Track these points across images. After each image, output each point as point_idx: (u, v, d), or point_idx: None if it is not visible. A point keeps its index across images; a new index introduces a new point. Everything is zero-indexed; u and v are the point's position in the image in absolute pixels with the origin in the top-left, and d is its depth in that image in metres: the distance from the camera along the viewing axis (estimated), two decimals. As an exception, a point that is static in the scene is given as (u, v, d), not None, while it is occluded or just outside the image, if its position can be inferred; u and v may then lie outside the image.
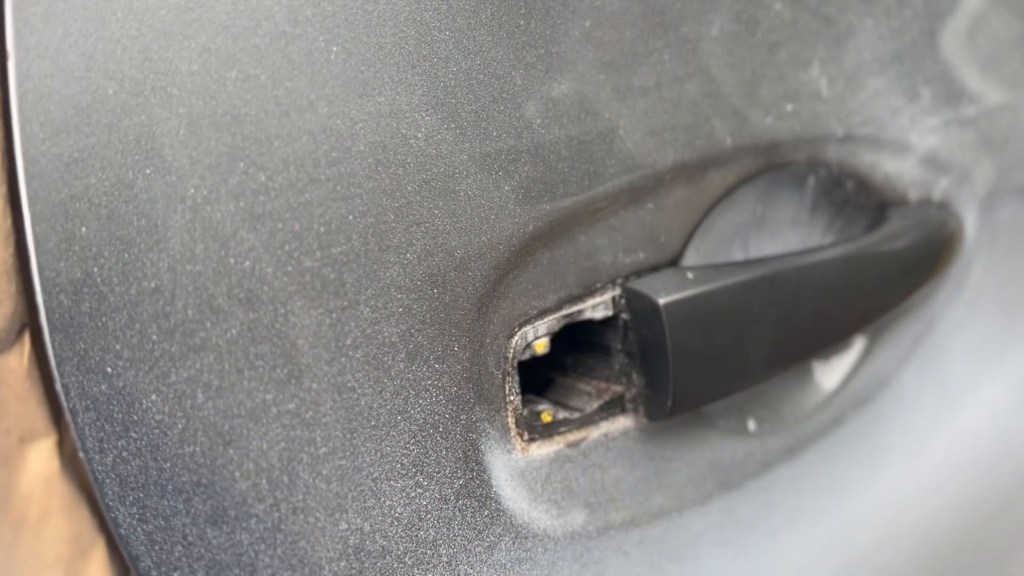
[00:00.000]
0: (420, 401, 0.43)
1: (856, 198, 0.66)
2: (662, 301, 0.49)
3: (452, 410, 0.44)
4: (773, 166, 0.59)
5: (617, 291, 0.52)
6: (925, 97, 0.68)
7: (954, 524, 0.81)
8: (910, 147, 0.67)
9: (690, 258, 0.58)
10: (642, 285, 0.50)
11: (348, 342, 0.41)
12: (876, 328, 0.68)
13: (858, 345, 0.67)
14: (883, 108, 0.65)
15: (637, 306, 0.50)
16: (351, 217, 0.41)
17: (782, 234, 0.65)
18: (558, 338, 0.53)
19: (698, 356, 0.50)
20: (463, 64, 0.44)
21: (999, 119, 0.75)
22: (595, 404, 0.52)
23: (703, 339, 0.51)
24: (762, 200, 0.61)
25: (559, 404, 0.54)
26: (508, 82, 0.46)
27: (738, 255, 0.63)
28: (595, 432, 0.52)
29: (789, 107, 0.58)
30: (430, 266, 0.43)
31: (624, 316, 0.52)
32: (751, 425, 0.59)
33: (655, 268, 0.53)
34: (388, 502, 0.42)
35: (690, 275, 0.52)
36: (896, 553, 0.76)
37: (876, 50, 0.64)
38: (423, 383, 0.43)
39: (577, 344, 0.56)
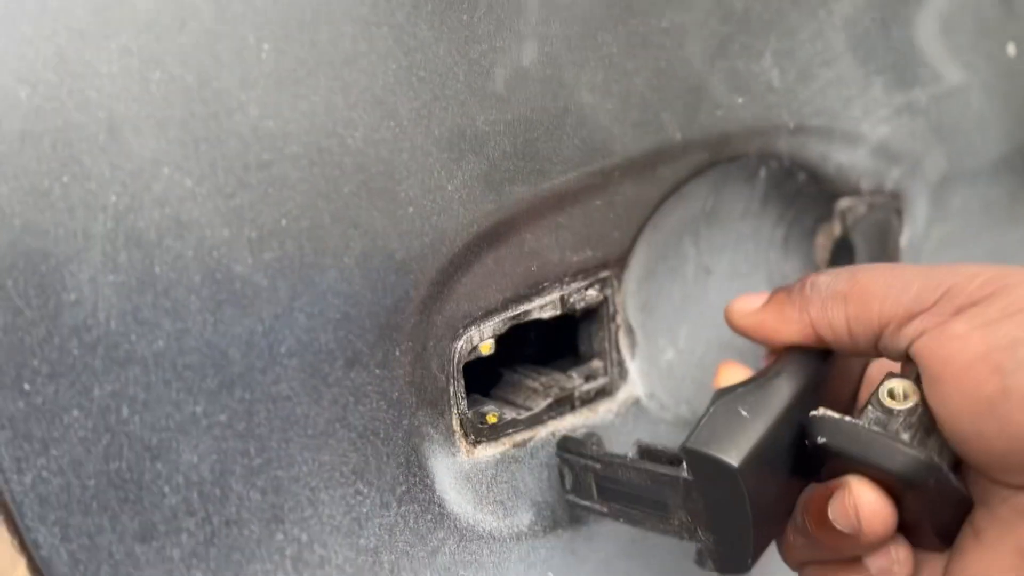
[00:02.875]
0: (360, 408, 0.42)
1: (807, 189, 0.65)
2: (736, 464, 0.41)
3: (394, 416, 0.43)
4: (723, 159, 0.58)
5: (565, 290, 0.51)
6: (877, 87, 0.68)
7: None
8: (862, 137, 0.67)
9: (640, 252, 0.57)
10: (702, 444, 0.42)
11: (283, 350, 0.40)
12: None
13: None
14: (835, 99, 0.64)
15: (700, 467, 0.43)
16: (284, 222, 0.39)
17: (733, 226, 0.65)
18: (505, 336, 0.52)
19: (770, 500, 0.43)
20: (403, 60, 0.43)
21: (949, 106, 0.75)
22: (543, 403, 0.51)
23: (772, 480, 0.43)
24: (713, 193, 0.61)
25: (506, 402, 0.53)
26: (451, 79, 0.44)
27: (689, 250, 0.62)
28: (542, 431, 0.51)
29: (740, 100, 0.58)
30: (369, 270, 0.42)
31: (575, 313, 0.51)
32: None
33: (603, 264, 0.53)
34: (327, 511, 0.41)
35: (743, 411, 0.43)
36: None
37: (829, 40, 0.64)
38: (363, 390, 0.42)
39: (522, 338, 0.56)
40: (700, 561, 0.46)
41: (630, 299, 0.58)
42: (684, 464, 0.44)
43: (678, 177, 0.56)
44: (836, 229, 0.68)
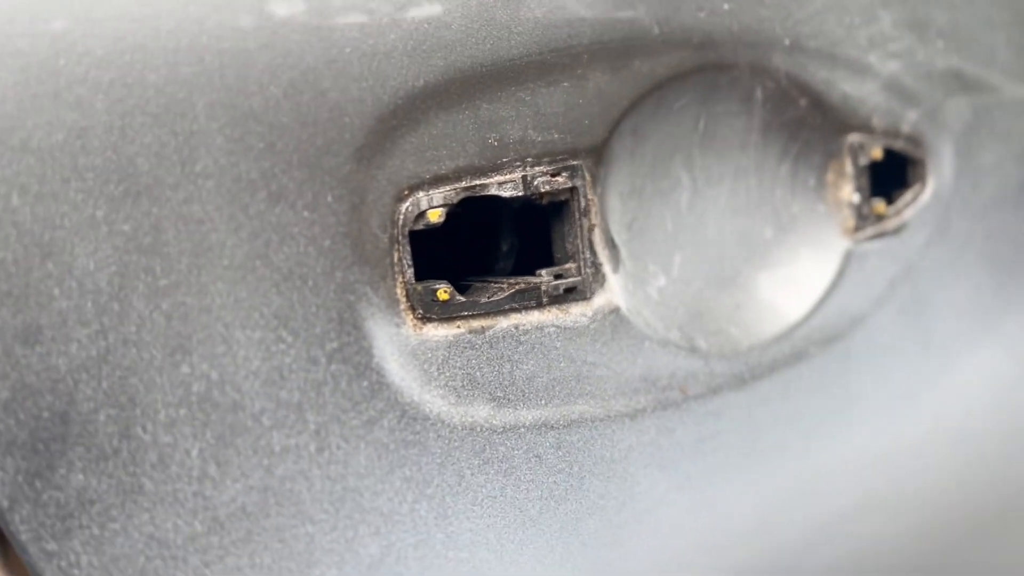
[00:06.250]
0: (284, 249, 0.39)
1: (811, 119, 0.62)
2: None
3: (325, 265, 0.40)
4: (709, 65, 0.55)
5: (528, 171, 0.48)
6: (884, 21, 0.64)
7: (945, 493, 0.73)
8: (870, 69, 0.63)
9: (621, 160, 0.54)
10: None
11: (198, 168, 0.37)
12: (843, 258, 0.63)
13: (828, 272, 0.62)
14: (835, 24, 0.61)
15: None
16: (204, 39, 0.38)
17: (731, 156, 0.61)
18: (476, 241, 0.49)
19: None
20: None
21: (973, 55, 0.70)
22: (505, 293, 0.48)
23: None
24: (704, 109, 0.57)
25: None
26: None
27: (681, 174, 0.59)
28: (503, 321, 0.47)
29: (725, 5, 0.55)
30: (298, 103, 0.40)
31: (540, 198, 0.48)
32: (701, 343, 0.54)
33: (572, 152, 0.50)
34: (242, 352, 0.38)
35: None
36: (878, 522, 0.69)
37: (827, -37, 0.61)
38: (288, 229, 0.39)
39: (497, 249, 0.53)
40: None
41: (613, 213, 0.55)
42: None
43: (657, 74, 0.53)
44: (847, 167, 0.64)
